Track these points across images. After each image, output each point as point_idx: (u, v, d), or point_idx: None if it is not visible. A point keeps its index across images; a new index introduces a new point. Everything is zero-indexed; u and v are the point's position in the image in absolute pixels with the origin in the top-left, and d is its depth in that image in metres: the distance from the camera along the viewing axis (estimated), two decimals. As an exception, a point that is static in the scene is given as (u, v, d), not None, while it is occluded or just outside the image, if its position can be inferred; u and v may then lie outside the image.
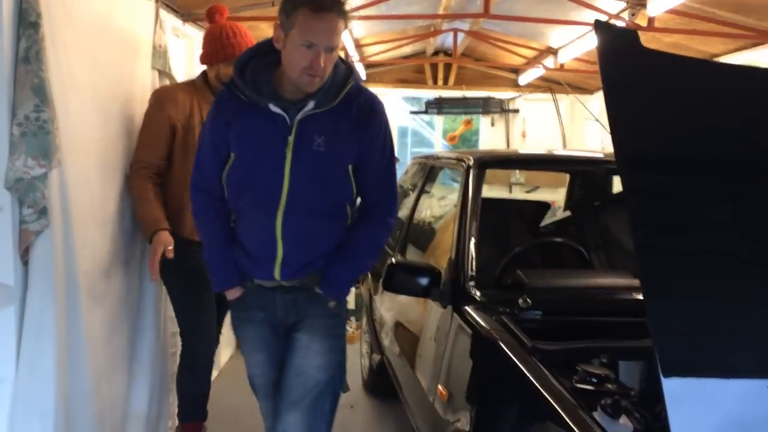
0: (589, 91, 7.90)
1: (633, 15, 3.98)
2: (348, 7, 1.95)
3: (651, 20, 3.94)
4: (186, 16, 3.94)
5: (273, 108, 2.01)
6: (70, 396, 2.31)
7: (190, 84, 3.01)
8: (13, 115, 2.09)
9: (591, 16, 4.60)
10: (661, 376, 1.26)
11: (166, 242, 2.69)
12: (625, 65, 1.52)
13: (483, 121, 8.71)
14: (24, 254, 2.13)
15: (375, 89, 8.02)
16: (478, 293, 2.44)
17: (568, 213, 4.10)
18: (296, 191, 2.05)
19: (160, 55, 3.34)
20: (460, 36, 6.44)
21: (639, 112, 1.54)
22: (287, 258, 2.10)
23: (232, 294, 2.22)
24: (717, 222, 1.42)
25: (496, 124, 8.65)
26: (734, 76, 1.65)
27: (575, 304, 2.43)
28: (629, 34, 1.50)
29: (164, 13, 3.51)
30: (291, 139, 2.02)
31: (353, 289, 4.08)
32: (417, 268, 2.64)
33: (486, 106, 8.51)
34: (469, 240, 2.62)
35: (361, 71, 7.94)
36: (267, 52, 2.06)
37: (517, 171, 7.59)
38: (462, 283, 2.50)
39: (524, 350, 1.95)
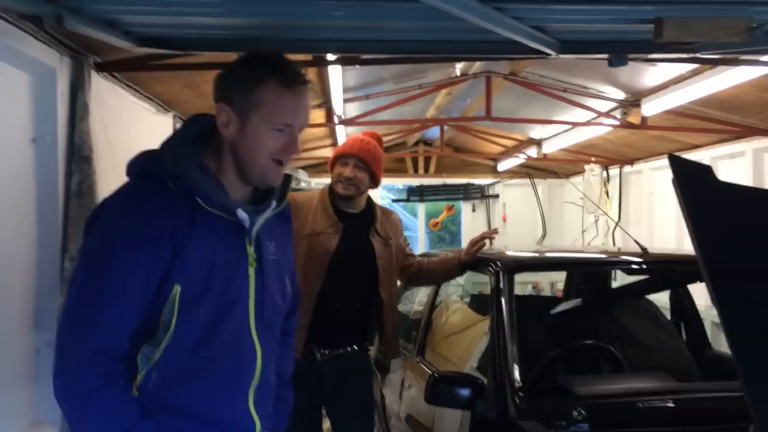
0: (566, 175, 8.17)
1: (625, 114, 4.18)
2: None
3: (644, 119, 4.15)
4: (197, 126, 3.99)
5: (240, 214, 1.49)
6: None
7: (315, 194, 2.95)
8: (65, 250, 2.06)
9: (581, 115, 4.83)
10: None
11: None
12: (701, 192, 1.63)
13: (464, 207, 8.88)
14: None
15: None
16: (527, 404, 2.42)
17: (577, 301, 4.12)
18: (263, 321, 1.55)
19: (177, 168, 3.36)
20: (445, 128, 6.64)
21: (717, 230, 1.65)
22: (263, 421, 1.58)
23: None
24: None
25: (477, 209, 8.82)
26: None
27: (624, 414, 2.42)
28: (701, 167, 1.62)
29: (179, 126, 3.56)
30: (251, 250, 1.53)
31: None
32: (460, 380, 2.61)
33: (467, 193, 8.70)
34: (511, 348, 2.61)
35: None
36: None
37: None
38: (509, 394, 2.48)
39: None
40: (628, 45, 2.02)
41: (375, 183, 2.90)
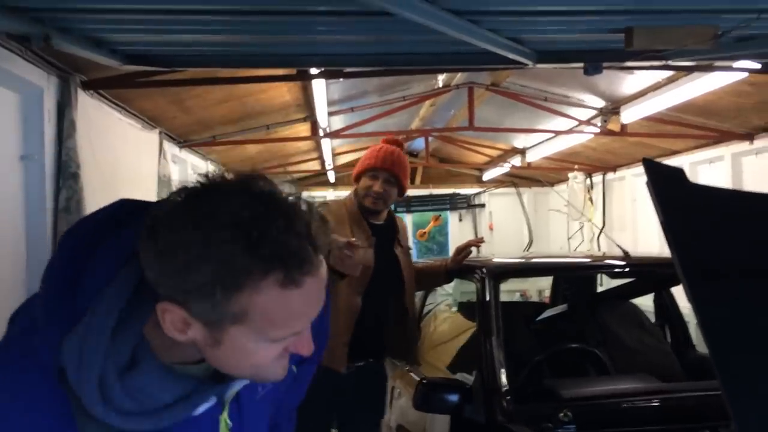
0: (550, 183, 8.27)
1: (605, 122, 4.26)
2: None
3: (623, 126, 4.23)
4: (182, 142, 4.04)
5: (201, 409, 0.94)
6: None
7: (341, 204, 2.80)
8: (54, 266, 2.08)
9: (562, 123, 4.91)
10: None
11: None
12: (675, 195, 1.67)
13: (451, 217, 8.95)
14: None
15: (345, 192, 8.17)
16: (514, 407, 2.45)
17: (563, 307, 4.17)
18: None
19: (164, 184, 3.40)
20: (430, 139, 6.71)
21: (691, 231, 1.67)
22: None
23: None
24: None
25: (464, 218, 8.89)
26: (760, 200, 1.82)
27: (609, 414, 2.46)
28: (675, 171, 1.66)
29: (165, 142, 3.60)
30: (225, 418, 1.03)
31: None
32: (448, 386, 2.64)
33: (453, 203, 8.77)
34: (497, 353, 2.65)
35: (332, 176, 8.14)
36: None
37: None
38: (496, 399, 2.51)
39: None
40: (602, 54, 2.08)
41: (401, 194, 2.83)
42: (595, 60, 2.09)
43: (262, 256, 0.79)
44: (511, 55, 1.99)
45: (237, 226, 0.78)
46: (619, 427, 2.34)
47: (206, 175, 0.83)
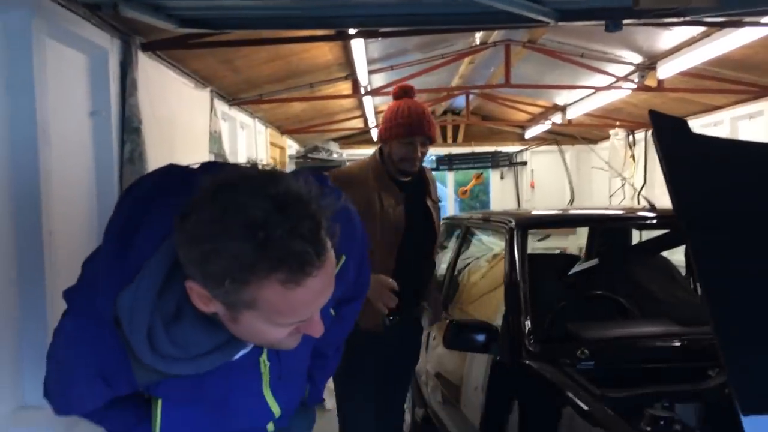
0: (594, 141, 8.25)
1: (642, 77, 4.30)
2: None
3: (660, 81, 4.26)
4: (231, 100, 4.27)
5: (240, 354, 1.13)
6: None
7: (366, 166, 2.78)
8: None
9: (601, 80, 4.94)
10: (741, 415, 1.45)
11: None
12: (678, 145, 1.76)
13: (493, 175, 9.03)
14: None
15: (388, 150, 8.32)
16: (537, 348, 2.64)
17: (594, 261, 4.29)
18: (284, 390, 1.27)
19: (215, 140, 3.65)
20: (471, 97, 6.79)
21: (694, 182, 1.77)
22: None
23: None
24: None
25: (506, 176, 8.96)
26: (760, 150, 1.91)
27: (625, 353, 2.63)
28: (679, 121, 1.77)
29: (216, 100, 3.83)
30: (264, 360, 1.19)
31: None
32: (476, 326, 2.84)
33: (495, 160, 8.84)
34: (522, 297, 2.84)
35: (375, 134, 8.31)
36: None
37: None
38: (520, 338, 2.71)
39: (593, 398, 2.14)
40: (622, 12, 2.18)
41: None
42: (617, 17, 2.18)
43: (267, 257, 0.87)
44: (532, 15, 2.11)
45: (249, 226, 0.87)
46: (634, 363, 2.51)
47: (236, 168, 0.95)
